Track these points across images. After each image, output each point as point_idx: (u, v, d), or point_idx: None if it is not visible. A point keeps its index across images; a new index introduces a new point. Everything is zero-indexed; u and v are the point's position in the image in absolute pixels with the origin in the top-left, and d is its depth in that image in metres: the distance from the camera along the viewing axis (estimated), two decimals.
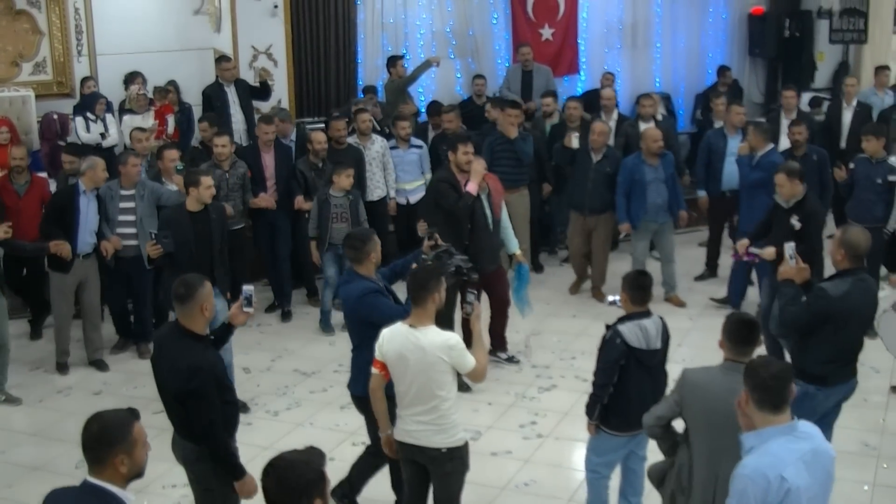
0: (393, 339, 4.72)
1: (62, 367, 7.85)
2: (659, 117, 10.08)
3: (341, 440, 6.58)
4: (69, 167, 8.27)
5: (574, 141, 8.90)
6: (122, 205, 7.82)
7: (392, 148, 9.54)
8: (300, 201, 8.80)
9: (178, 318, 4.56)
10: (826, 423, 5.36)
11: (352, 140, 9.36)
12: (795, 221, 6.92)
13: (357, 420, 6.77)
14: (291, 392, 7.37)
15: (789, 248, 5.29)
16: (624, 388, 4.93)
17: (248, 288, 4.92)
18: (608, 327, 5.02)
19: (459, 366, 4.68)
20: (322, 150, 8.85)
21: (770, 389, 3.50)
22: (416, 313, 4.69)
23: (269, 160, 8.96)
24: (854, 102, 10.44)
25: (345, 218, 8.36)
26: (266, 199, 8.77)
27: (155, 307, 8.32)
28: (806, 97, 12.14)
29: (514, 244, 7.83)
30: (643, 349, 4.89)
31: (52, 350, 7.95)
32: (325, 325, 8.66)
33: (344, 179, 8.30)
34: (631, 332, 4.89)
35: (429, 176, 9.48)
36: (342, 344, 8.21)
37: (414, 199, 9.62)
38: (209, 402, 4.42)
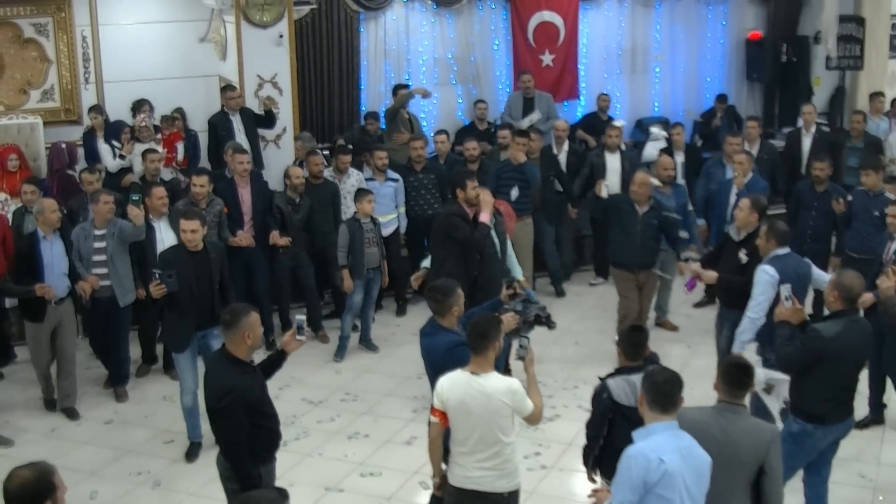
0: (454, 386, 4.78)
1: (49, 404, 7.84)
2: (623, 147, 10.25)
3: (350, 471, 6.71)
4: (29, 197, 8.16)
5: (603, 190, 8.43)
6: (96, 245, 7.73)
7: (368, 179, 9.51)
8: (275, 236, 8.73)
9: (224, 342, 4.92)
10: (824, 459, 5.51)
11: (327, 174, 9.43)
12: (743, 255, 7.03)
13: (365, 451, 6.97)
14: (299, 422, 7.46)
15: (785, 289, 5.43)
16: (613, 441, 4.94)
17: (300, 318, 5.21)
18: (601, 379, 5.09)
19: (520, 410, 4.79)
20: (300, 184, 8.87)
21: (662, 391, 4.10)
22: (477, 361, 4.78)
23: (245, 195, 8.83)
24: (813, 129, 10.72)
25: (375, 242, 8.60)
26: (245, 238, 8.63)
27: (142, 344, 8.46)
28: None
29: (517, 272, 7.96)
30: (629, 406, 4.86)
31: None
32: (341, 351, 8.70)
33: (366, 205, 8.53)
34: (618, 388, 4.94)
35: (402, 210, 9.66)
36: (348, 373, 8.44)
37: (386, 232, 9.45)
38: (235, 423, 4.75)
